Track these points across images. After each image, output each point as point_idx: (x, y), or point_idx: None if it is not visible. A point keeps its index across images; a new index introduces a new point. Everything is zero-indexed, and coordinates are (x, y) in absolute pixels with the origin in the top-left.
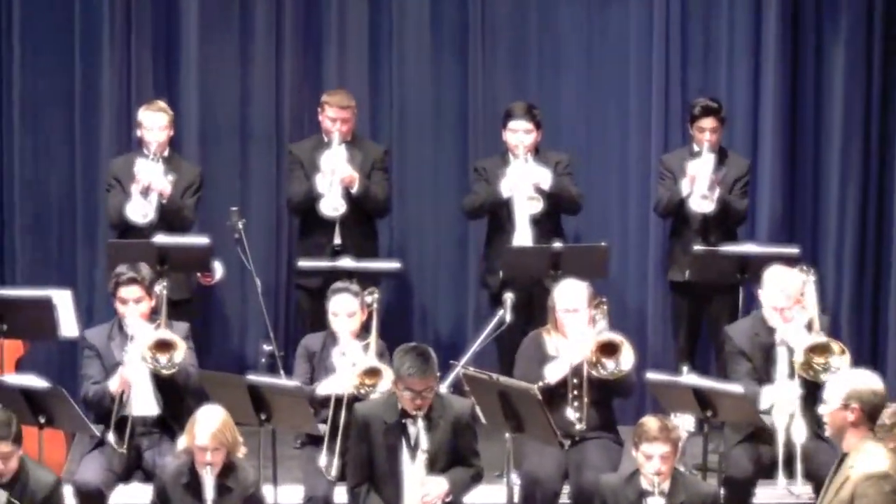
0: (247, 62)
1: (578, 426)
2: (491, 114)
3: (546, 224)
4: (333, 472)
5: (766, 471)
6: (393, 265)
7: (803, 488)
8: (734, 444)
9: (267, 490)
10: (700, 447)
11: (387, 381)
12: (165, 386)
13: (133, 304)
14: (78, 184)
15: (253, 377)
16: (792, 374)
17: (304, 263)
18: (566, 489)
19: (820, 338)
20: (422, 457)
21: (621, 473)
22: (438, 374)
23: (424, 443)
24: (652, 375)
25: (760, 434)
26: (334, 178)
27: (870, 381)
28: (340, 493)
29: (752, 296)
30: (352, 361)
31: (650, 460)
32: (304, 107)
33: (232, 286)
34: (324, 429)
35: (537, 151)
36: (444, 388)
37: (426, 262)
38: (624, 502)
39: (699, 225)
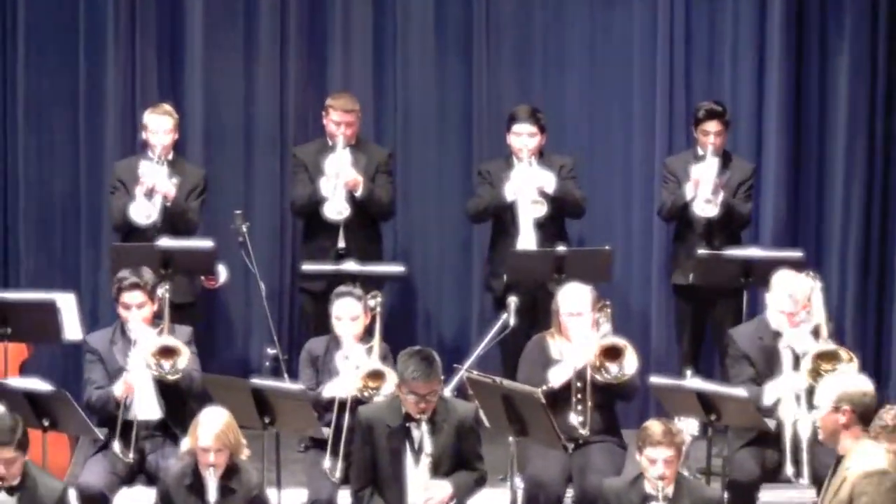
0: (251, 63)
1: (582, 430)
2: (495, 116)
3: (550, 228)
4: (338, 474)
5: (770, 474)
6: (397, 269)
7: (807, 492)
8: (738, 447)
9: (271, 493)
10: (704, 451)
11: (390, 384)
12: (168, 390)
13: (136, 308)
14: (82, 185)
15: (257, 380)
16: (796, 369)
17: (307, 267)
18: (570, 493)
19: (829, 345)
20: (425, 460)
21: (625, 477)
22: (442, 377)
23: (428, 446)
24: (655, 379)
25: (764, 437)
26: (338, 182)
27: (859, 382)
28: (344, 497)
29: (755, 299)
30: (355, 364)
31: (654, 464)
32: (308, 109)
33: (236, 289)
34: (328, 432)
35: (541, 155)
36: (447, 392)
37: (430, 266)
38: None
39: (703, 229)
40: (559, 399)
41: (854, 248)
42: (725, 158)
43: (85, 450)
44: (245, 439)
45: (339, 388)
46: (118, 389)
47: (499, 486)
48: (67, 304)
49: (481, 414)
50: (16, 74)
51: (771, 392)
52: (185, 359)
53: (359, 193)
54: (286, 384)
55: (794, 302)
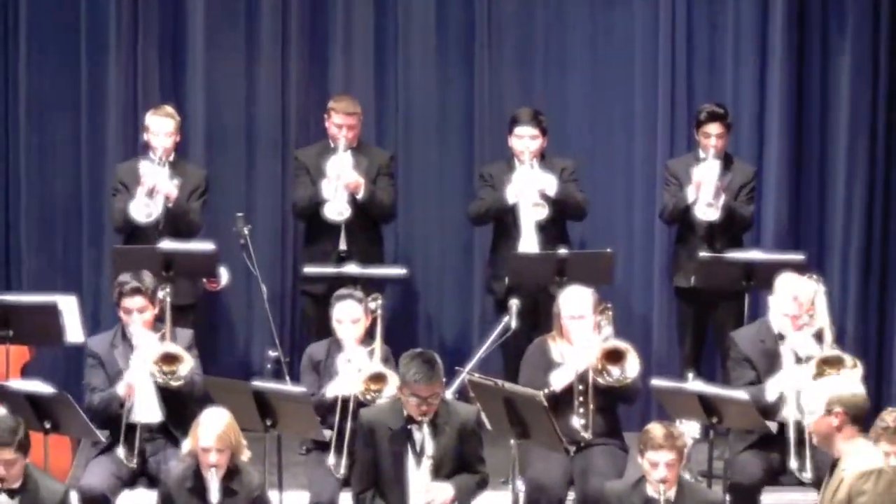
0: (252, 64)
1: (585, 434)
2: (497, 118)
3: (551, 230)
4: (342, 470)
5: (772, 477)
6: (398, 271)
7: (810, 494)
8: (739, 450)
9: (272, 496)
10: (705, 454)
11: (392, 386)
12: (169, 393)
13: (137, 313)
14: (83, 185)
15: (258, 383)
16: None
17: (309, 269)
18: (571, 496)
19: (833, 351)
20: (427, 463)
21: (627, 481)
22: (444, 380)
23: (430, 449)
24: (657, 382)
25: (766, 440)
26: (339, 184)
27: (849, 385)
28: (346, 499)
29: (757, 302)
30: (357, 367)
31: (656, 468)
32: (309, 110)
33: (237, 292)
34: (329, 435)
35: (543, 157)
36: (449, 395)
37: (431, 268)
38: None
39: (705, 231)
40: (561, 402)
41: (856, 249)
42: (727, 161)
43: (86, 452)
44: (246, 441)
45: (341, 386)
46: (121, 389)
47: (500, 488)
48: (69, 307)
49: (483, 416)
50: (17, 74)
51: (774, 387)
52: (188, 366)
53: (360, 196)
54: (288, 386)
55: (798, 305)
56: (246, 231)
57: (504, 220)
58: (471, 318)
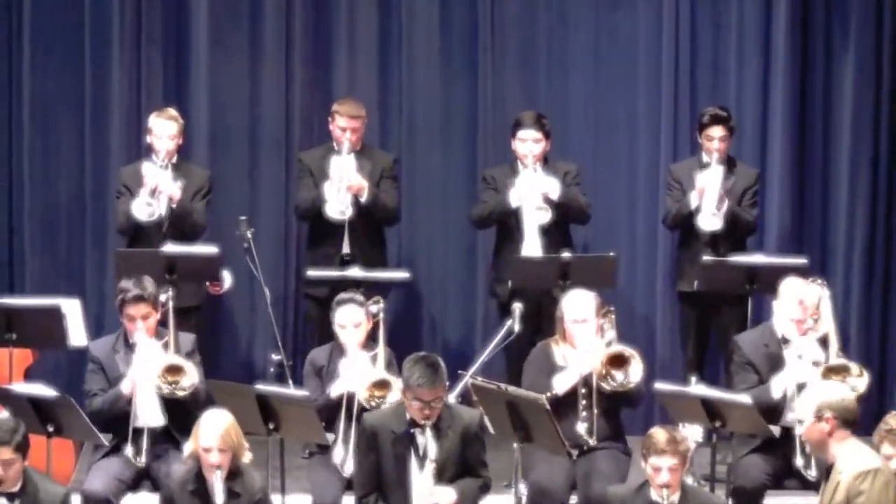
0: (256, 66)
1: (590, 440)
2: (500, 120)
3: (555, 234)
4: (348, 469)
5: (775, 481)
6: (402, 275)
7: (812, 499)
8: (742, 454)
9: (275, 499)
10: (708, 458)
11: (396, 392)
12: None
13: (140, 320)
14: (87, 187)
15: (261, 386)
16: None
17: (312, 273)
18: (574, 500)
19: (840, 360)
20: (430, 467)
21: (630, 485)
22: (447, 383)
23: (433, 452)
24: (660, 385)
25: (769, 444)
26: (342, 185)
27: (838, 390)
28: (349, 502)
29: (761, 306)
30: (361, 370)
31: (659, 473)
32: (313, 112)
33: (241, 295)
34: (332, 438)
35: (546, 161)
36: (452, 398)
37: (435, 272)
38: None
39: (708, 236)
40: (564, 405)
41: (858, 253)
42: (730, 164)
43: (89, 456)
44: (248, 443)
45: (346, 384)
46: (126, 387)
47: (503, 492)
48: (72, 310)
49: (486, 420)
50: (21, 76)
51: (778, 385)
52: (192, 377)
53: (363, 199)
54: (291, 390)
55: (803, 309)
56: (249, 234)
57: (507, 224)
58: (474, 321)
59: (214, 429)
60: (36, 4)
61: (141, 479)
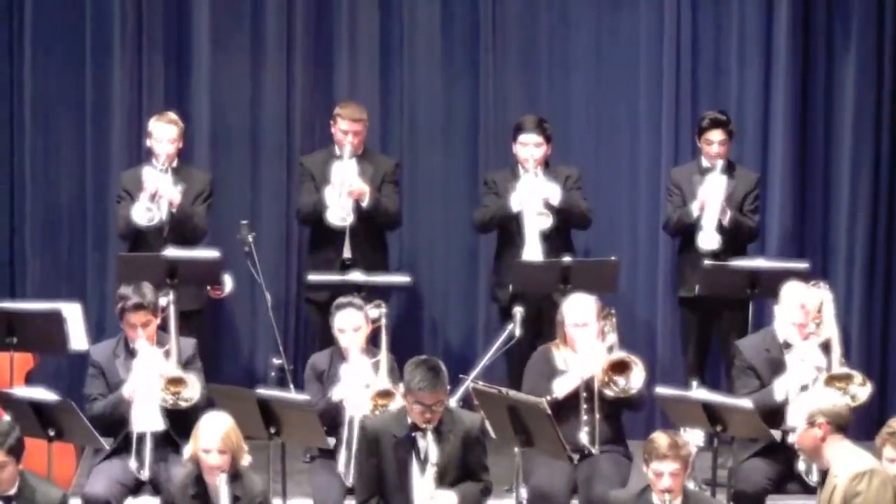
0: (258, 69)
1: (593, 450)
2: (502, 122)
3: (556, 238)
4: (351, 479)
5: (776, 485)
6: (403, 279)
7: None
8: (744, 458)
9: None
10: (709, 462)
11: (399, 401)
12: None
13: (140, 328)
14: (88, 189)
15: (262, 391)
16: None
17: (313, 277)
18: (575, 503)
19: (843, 368)
20: (431, 470)
21: (631, 489)
22: (448, 387)
23: (434, 456)
24: (661, 390)
25: (770, 448)
26: (343, 190)
27: (829, 396)
28: None
29: (762, 310)
30: (365, 383)
31: (660, 478)
32: (315, 115)
33: (242, 300)
34: (334, 442)
35: (547, 165)
36: (453, 402)
37: (436, 276)
38: None
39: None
40: (565, 410)
41: (860, 256)
42: (729, 168)
43: (90, 460)
44: (251, 450)
45: (347, 390)
46: (127, 391)
47: (504, 496)
48: (73, 314)
49: (487, 424)
50: (22, 77)
51: (781, 387)
52: (194, 389)
53: (365, 204)
54: (292, 394)
55: (805, 313)
56: (250, 238)
57: (508, 228)
58: (475, 325)
59: (214, 430)
60: (37, 6)
61: (141, 483)
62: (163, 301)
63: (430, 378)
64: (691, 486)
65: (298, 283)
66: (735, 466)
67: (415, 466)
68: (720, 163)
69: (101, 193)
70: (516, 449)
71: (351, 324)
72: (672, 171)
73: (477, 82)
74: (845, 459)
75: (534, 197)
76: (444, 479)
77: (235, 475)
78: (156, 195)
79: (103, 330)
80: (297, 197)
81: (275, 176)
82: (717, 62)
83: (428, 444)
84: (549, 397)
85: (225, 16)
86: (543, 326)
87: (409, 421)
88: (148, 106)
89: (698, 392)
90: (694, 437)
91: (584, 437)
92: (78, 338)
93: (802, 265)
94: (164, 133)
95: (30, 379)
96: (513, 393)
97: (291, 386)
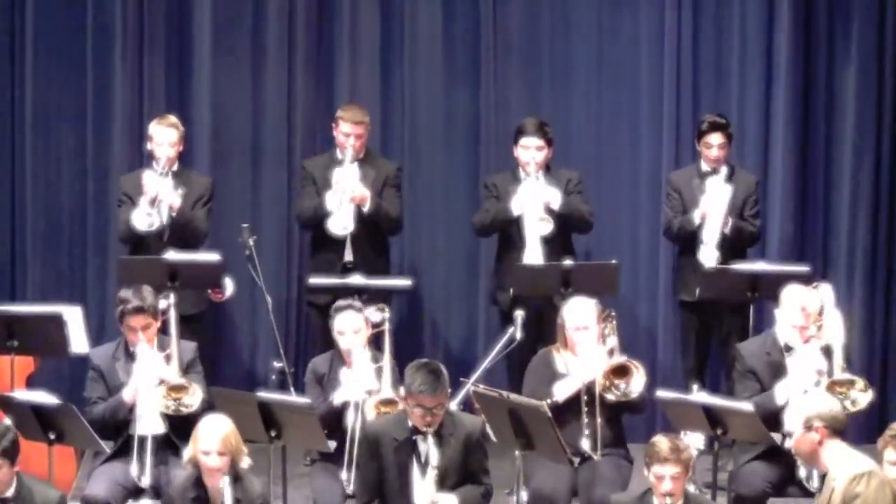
0: (259, 72)
1: (594, 455)
2: (503, 126)
3: (556, 242)
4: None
5: (776, 488)
6: (404, 282)
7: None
8: (744, 462)
9: None
10: (710, 465)
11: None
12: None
13: (141, 331)
14: (89, 193)
15: (263, 394)
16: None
17: (314, 280)
18: None
19: (845, 374)
20: (431, 473)
21: (632, 493)
22: (449, 390)
23: (434, 459)
24: (662, 393)
25: (770, 452)
26: (344, 197)
27: (822, 399)
28: None
29: (762, 314)
30: (367, 390)
31: (661, 481)
32: (315, 118)
33: (242, 303)
34: (335, 446)
35: (548, 168)
36: (454, 406)
37: (437, 279)
38: None
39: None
40: (566, 413)
41: (861, 260)
42: (729, 172)
43: (90, 463)
44: (251, 454)
45: (348, 392)
46: (128, 394)
47: (505, 500)
48: (74, 318)
49: (487, 428)
50: (24, 83)
51: (782, 391)
52: (195, 396)
53: (366, 209)
54: (292, 398)
55: (806, 316)
56: (251, 242)
57: (509, 232)
58: (476, 328)
59: (214, 432)
60: (38, 10)
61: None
62: (163, 304)
63: (431, 381)
64: (692, 489)
65: (299, 287)
66: (735, 470)
67: (415, 469)
68: (724, 169)
69: (101, 196)
70: (517, 452)
71: (350, 326)
72: (671, 175)
73: (478, 85)
74: (843, 462)
75: (534, 201)
76: (444, 483)
77: (235, 477)
78: (156, 200)
79: (104, 333)
80: (299, 201)
81: (276, 179)
82: (718, 64)
83: (429, 448)
84: (549, 401)
85: (226, 19)
86: (544, 330)
87: (410, 424)
88: (149, 109)
89: (699, 395)
90: (695, 441)
91: (585, 441)
92: (78, 341)
93: (803, 268)
94: (164, 136)
95: (30, 382)
96: (513, 396)
97: (292, 389)
